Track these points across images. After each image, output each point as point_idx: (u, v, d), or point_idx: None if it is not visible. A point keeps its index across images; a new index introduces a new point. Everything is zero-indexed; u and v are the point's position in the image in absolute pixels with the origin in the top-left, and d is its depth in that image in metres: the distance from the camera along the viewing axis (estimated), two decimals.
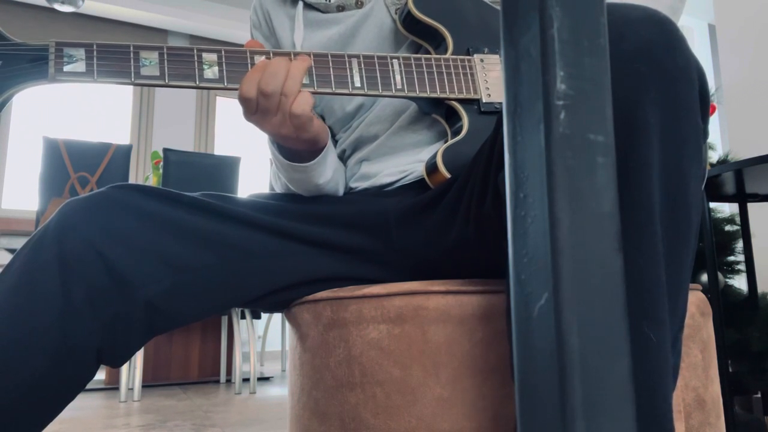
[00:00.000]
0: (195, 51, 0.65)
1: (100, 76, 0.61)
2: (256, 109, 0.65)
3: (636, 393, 0.45)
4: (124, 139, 4.41)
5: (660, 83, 0.45)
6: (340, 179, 0.84)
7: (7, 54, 0.59)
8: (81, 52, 0.61)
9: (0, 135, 3.99)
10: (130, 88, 4.51)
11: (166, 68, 0.64)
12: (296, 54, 0.68)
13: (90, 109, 4.33)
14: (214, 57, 0.65)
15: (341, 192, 0.86)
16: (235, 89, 0.66)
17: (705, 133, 0.50)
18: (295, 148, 0.71)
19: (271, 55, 0.68)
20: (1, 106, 0.60)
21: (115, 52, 0.63)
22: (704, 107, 0.49)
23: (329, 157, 0.78)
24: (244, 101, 0.64)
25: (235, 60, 0.66)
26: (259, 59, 0.67)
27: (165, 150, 2.89)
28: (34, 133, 4.08)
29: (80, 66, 0.60)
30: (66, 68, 0.60)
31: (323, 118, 0.90)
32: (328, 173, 0.78)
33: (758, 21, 2.49)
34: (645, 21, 0.45)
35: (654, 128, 0.45)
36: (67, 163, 2.89)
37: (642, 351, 0.45)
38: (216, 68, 0.65)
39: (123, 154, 3.05)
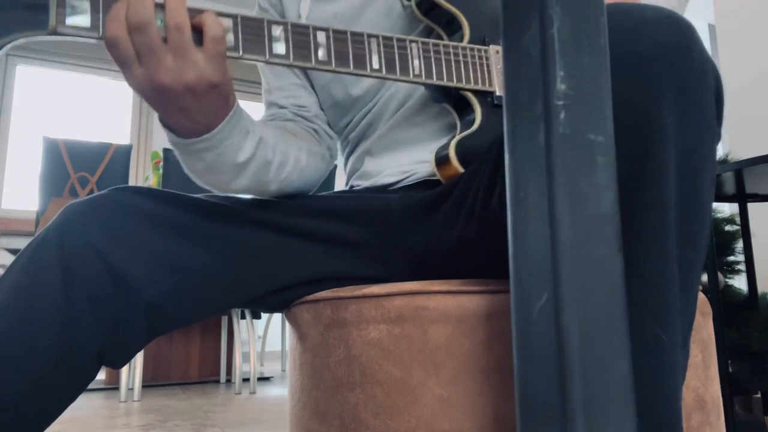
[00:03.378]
0: (209, 11, 0.58)
1: (104, 30, 0.54)
2: (136, 55, 0.53)
3: (647, 393, 0.45)
4: (124, 139, 4.41)
5: (676, 84, 0.45)
6: (277, 158, 0.70)
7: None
8: (86, 4, 0.54)
9: (0, 135, 3.99)
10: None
11: None
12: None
13: (90, 109, 4.33)
14: (229, 23, 0.59)
15: (295, 183, 0.74)
16: (252, 60, 0.60)
17: (718, 135, 0.50)
18: (196, 111, 0.57)
19: (289, 26, 0.62)
20: None
21: None
22: (718, 108, 0.49)
23: (245, 124, 0.64)
24: (114, 45, 0.52)
25: (252, 29, 0.61)
26: (277, 29, 0.62)
27: (165, 150, 2.89)
28: (34, 133, 4.08)
29: (84, 19, 0.54)
30: (69, 21, 0.54)
31: (320, 105, 0.89)
32: (247, 146, 0.64)
33: (758, 21, 2.49)
34: (662, 21, 0.45)
35: (670, 128, 0.45)
36: (67, 163, 2.89)
37: (654, 351, 0.45)
38: (231, 35, 0.59)
39: (123, 154, 3.05)
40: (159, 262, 0.65)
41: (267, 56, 0.61)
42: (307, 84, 0.88)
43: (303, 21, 0.85)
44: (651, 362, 0.45)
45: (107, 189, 0.67)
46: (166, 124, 0.62)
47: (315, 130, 0.86)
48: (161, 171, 2.94)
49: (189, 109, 0.56)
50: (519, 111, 0.26)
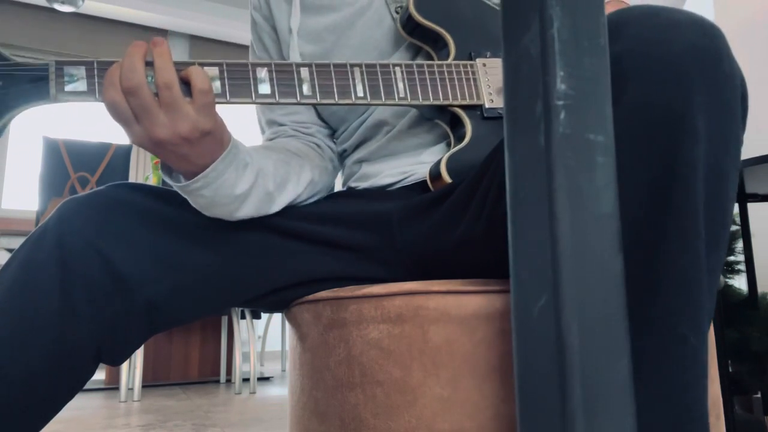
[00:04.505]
0: (195, 64, 0.62)
1: (102, 95, 0.59)
2: (133, 116, 0.56)
3: (672, 393, 0.45)
4: (124, 139, 4.41)
5: (707, 87, 0.45)
6: (278, 187, 0.72)
7: (7, 74, 0.58)
8: (81, 71, 0.59)
9: None
10: None
11: None
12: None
13: (90, 109, 4.33)
14: (215, 71, 0.63)
15: (299, 199, 0.76)
16: (240, 103, 0.63)
17: (741, 140, 0.50)
18: (195, 156, 0.60)
19: (273, 66, 0.65)
20: (3, 128, 0.58)
21: None
22: (743, 113, 0.49)
23: (243, 158, 0.66)
24: (113, 108, 0.56)
25: (237, 73, 0.64)
26: (262, 71, 0.65)
27: None
28: (34, 133, 4.08)
29: (81, 85, 0.59)
30: (67, 88, 0.59)
31: (319, 115, 0.90)
32: (245, 178, 0.66)
33: (758, 21, 2.49)
34: (693, 25, 0.45)
35: (701, 131, 0.45)
36: (67, 163, 2.89)
37: (680, 352, 0.46)
38: (217, 82, 0.63)
39: (123, 154, 3.05)
40: (158, 260, 0.65)
41: (253, 98, 0.64)
42: None
43: (294, 34, 0.85)
44: (678, 361, 0.45)
45: (106, 185, 0.67)
46: (167, 169, 0.65)
47: (317, 145, 0.87)
48: (161, 171, 2.94)
49: (187, 155, 0.60)
50: (519, 111, 0.26)
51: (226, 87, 0.63)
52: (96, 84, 0.59)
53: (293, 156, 0.78)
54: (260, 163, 0.69)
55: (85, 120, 4.30)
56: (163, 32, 4.50)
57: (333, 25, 0.84)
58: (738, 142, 0.48)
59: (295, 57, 0.84)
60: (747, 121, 0.51)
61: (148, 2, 4.27)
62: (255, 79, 0.65)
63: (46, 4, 3.75)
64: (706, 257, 0.47)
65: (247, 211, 0.68)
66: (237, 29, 4.49)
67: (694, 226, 0.46)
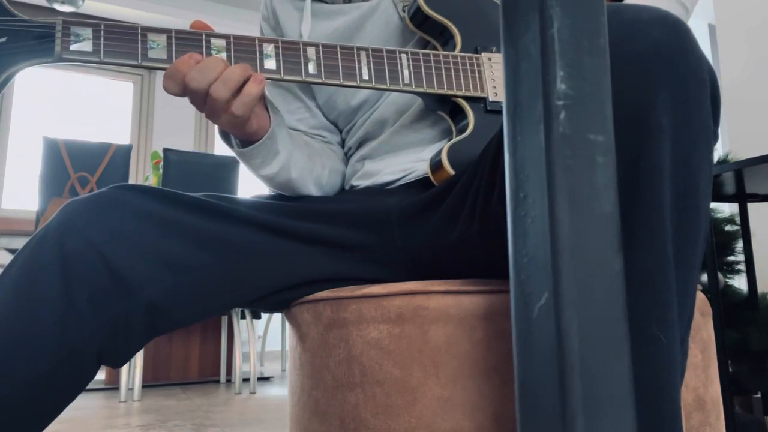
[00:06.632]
0: (204, 36, 0.65)
1: (106, 56, 0.61)
2: (183, 95, 0.64)
3: (645, 393, 0.45)
4: (124, 139, 4.41)
5: (672, 84, 0.45)
6: (299, 175, 0.78)
7: (13, 30, 0.59)
8: (88, 32, 0.60)
9: (0, 135, 3.99)
10: (131, 87, 4.50)
11: (173, 52, 0.63)
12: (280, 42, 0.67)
13: (90, 109, 4.33)
14: (222, 43, 0.64)
15: (313, 191, 0.82)
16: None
17: (715, 135, 0.50)
18: (236, 131, 0.68)
19: (280, 43, 0.67)
20: (5, 82, 0.59)
21: (122, 33, 0.62)
22: (715, 109, 0.49)
23: (276, 147, 0.72)
24: (166, 89, 0.63)
25: (244, 47, 0.66)
26: (268, 47, 0.66)
27: (165, 150, 2.89)
28: (34, 133, 4.08)
29: (87, 45, 0.60)
30: (72, 47, 0.60)
31: (324, 115, 0.91)
32: (272, 165, 0.73)
33: (758, 21, 2.49)
34: (657, 21, 0.45)
35: (666, 129, 0.45)
36: (67, 163, 2.88)
37: (651, 351, 0.45)
38: (224, 54, 0.64)
39: (123, 154, 3.05)
40: (159, 262, 0.65)
41: (258, 71, 0.66)
42: (311, 105, 0.91)
43: (305, 39, 0.86)
44: (649, 361, 0.45)
45: (107, 187, 0.67)
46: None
47: (332, 150, 0.90)
48: (161, 171, 2.94)
49: (231, 129, 0.67)
50: (519, 111, 0.26)
51: (232, 59, 0.65)
52: (102, 45, 0.61)
53: (317, 155, 0.83)
54: (292, 153, 0.76)
55: (85, 120, 4.30)
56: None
57: (342, 28, 0.86)
58: (708, 138, 0.48)
59: None
60: (720, 116, 0.51)
61: (148, 2, 4.28)
62: (261, 53, 0.66)
63: (46, 4, 3.75)
64: (675, 255, 0.46)
65: (271, 184, 0.78)
66: (237, 29, 4.48)
67: (659, 225, 0.45)
